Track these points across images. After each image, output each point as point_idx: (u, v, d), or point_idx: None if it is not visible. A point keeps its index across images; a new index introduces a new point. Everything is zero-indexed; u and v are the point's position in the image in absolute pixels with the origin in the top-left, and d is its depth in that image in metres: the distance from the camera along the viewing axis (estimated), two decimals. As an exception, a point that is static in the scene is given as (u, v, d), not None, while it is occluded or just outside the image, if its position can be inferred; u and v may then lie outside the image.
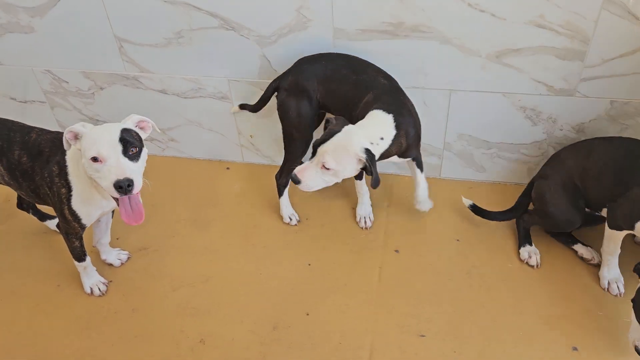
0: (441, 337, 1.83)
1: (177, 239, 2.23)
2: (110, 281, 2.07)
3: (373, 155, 1.76)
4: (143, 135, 1.69)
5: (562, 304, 1.89)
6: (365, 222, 2.23)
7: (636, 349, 1.62)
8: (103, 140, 1.56)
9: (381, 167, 2.40)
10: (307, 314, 1.92)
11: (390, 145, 1.83)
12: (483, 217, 2.17)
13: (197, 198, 2.39)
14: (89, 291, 2.03)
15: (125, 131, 1.60)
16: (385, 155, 1.86)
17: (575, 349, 1.77)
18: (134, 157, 1.60)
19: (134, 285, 2.05)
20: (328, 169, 1.78)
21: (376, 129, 1.82)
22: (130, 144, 1.59)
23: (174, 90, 2.36)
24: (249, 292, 2.01)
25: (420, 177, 2.11)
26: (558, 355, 1.76)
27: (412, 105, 1.95)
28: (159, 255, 2.17)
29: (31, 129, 1.85)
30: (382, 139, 1.81)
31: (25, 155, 1.79)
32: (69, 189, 1.74)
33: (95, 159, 1.55)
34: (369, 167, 1.76)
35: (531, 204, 2.14)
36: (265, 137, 2.47)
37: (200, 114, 2.43)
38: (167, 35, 2.18)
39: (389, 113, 1.82)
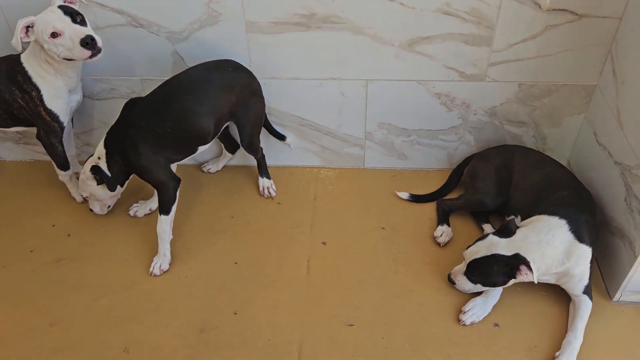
0: (370, 325, 1.85)
1: (97, 246, 2.14)
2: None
3: None
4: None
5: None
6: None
7: (449, 278, 1.91)
8: (53, 17, 1.78)
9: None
10: (235, 313, 1.89)
11: None
12: (424, 201, 2.27)
13: (116, 202, 2.30)
14: (80, 199, 2.29)
15: (64, 7, 1.82)
16: None
17: (496, 324, 1.84)
18: (83, 23, 1.84)
19: (51, 299, 1.95)
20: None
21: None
22: (75, 13, 1.82)
23: (85, 91, 2.26)
24: (174, 296, 1.95)
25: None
26: (481, 332, 1.81)
27: None
28: (78, 265, 2.07)
29: None
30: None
31: None
32: (38, 90, 1.94)
33: (54, 35, 1.78)
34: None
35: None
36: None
37: (114, 115, 2.31)
38: (72, 35, 2.08)
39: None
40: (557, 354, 1.71)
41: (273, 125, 2.31)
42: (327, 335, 1.82)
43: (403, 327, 1.84)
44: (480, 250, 1.78)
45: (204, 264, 2.06)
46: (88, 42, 1.79)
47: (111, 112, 2.32)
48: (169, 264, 2.03)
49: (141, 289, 1.97)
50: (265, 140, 2.33)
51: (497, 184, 2.09)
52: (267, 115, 2.26)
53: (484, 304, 1.84)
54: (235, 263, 2.06)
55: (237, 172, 2.46)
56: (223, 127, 2.07)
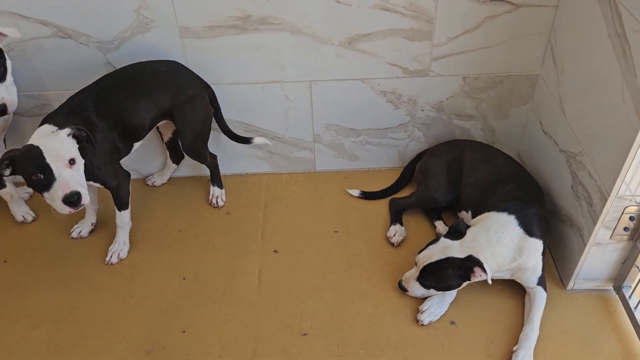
0: (324, 333, 1.79)
1: (35, 271, 2.02)
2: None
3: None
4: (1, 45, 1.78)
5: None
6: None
7: (400, 285, 1.86)
8: None
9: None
10: (184, 331, 1.80)
11: None
12: (375, 198, 2.25)
13: (57, 223, 2.18)
14: (21, 219, 2.19)
15: None
16: None
17: (453, 322, 1.80)
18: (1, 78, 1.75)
19: (-15, 331, 1.83)
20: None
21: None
22: None
23: (16, 109, 2.13)
24: (119, 317, 1.85)
25: None
26: (438, 332, 1.77)
27: None
28: (16, 293, 1.95)
29: None
30: None
31: None
32: None
33: None
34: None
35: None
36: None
37: (49, 132, 2.22)
38: (-5, 50, 1.96)
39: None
40: (514, 348, 1.68)
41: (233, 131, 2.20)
42: (280, 347, 1.75)
43: (358, 332, 1.78)
44: (433, 254, 1.74)
45: (150, 282, 1.96)
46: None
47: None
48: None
49: (83, 313, 1.87)
50: (214, 148, 2.25)
51: (448, 179, 2.06)
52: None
53: (441, 302, 1.81)
54: (184, 278, 1.97)
55: (184, 184, 2.37)
56: (156, 125, 2.00)
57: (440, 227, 2.10)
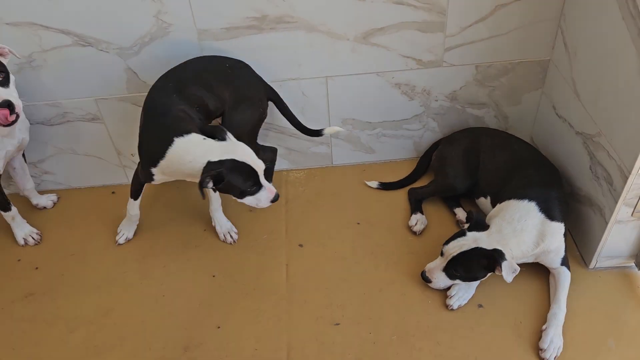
0: (356, 321, 1.83)
1: (67, 277, 2.06)
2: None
3: None
4: (5, 61, 1.78)
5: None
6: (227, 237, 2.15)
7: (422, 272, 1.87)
8: None
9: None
10: (219, 327, 1.85)
11: None
12: (394, 188, 2.28)
13: (84, 229, 2.22)
14: (22, 242, 2.15)
15: None
16: None
17: (480, 306, 1.84)
18: (4, 83, 1.72)
19: (24, 337, 1.86)
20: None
21: None
22: None
23: (37, 118, 2.18)
24: (154, 317, 1.89)
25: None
26: (466, 315, 1.82)
27: None
28: (49, 299, 1.99)
29: None
30: None
31: None
32: None
33: None
34: None
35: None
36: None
37: (71, 139, 2.26)
38: (17, 61, 2.00)
39: None
40: (543, 327, 1.73)
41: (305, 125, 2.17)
42: (314, 338, 1.79)
43: (389, 320, 1.83)
44: (462, 245, 1.75)
45: (181, 281, 2.01)
46: (3, 106, 1.64)
47: (67, 137, 2.25)
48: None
49: (118, 315, 1.91)
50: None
51: (466, 167, 2.10)
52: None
53: (468, 286, 1.85)
54: (213, 276, 2.01)
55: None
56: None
57: (460, 214, 2.14)
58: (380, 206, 2.24)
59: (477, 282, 1.85)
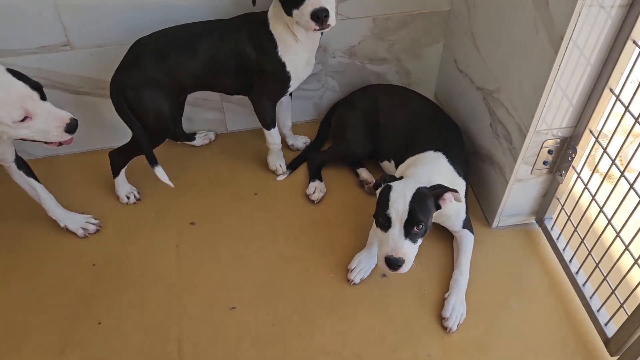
0: (254, 304, 1.69)
1: None
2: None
3: None
4: None
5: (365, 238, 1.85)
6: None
7: (387, 261, 1.48)
8: None
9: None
10: (99, 323, 1.65)
11: None
12: (301, 163, 2.11)
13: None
14: (82, 234, 1.86)
15: None
16: None
17: (384, 275, 1.76)
18: None
19: None
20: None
21: None
22: None
23: None
24: (23, 315, 1.66)
25: None
26: (369, 287, 1.73)
27: None
28: None
29: None
30: None
31: None
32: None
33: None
34: None
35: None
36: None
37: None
38: None
39: None
40: (446, 295, 1.67)
41: None
42: (207, 325, 1.64)
43: (289, 298, 1.70)
44: (399, 196, 1.48)
45: (55, 273, 1.77)
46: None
47: None
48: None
49: (-18, 317, 1.66)
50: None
51: (365, 130, 1.97)
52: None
53: (369, 256, 1.75)
54: (93, 265, 1.80)
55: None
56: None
57: (364, 174, 2.02)
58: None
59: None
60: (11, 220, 1.92)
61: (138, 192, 1.98)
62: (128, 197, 1.97)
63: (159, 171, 1.77)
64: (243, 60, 1.73)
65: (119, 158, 1.89)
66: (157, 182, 1.81)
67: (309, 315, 1.66)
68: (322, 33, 1.71)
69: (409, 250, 1.48)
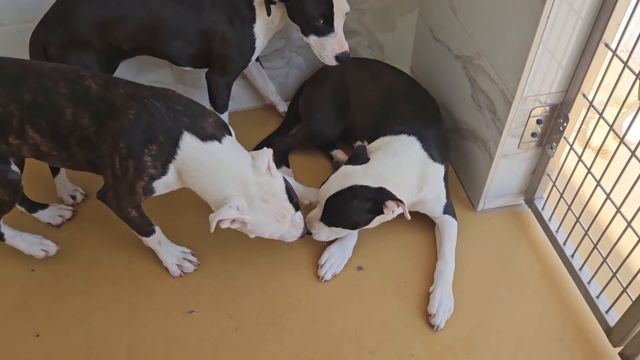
0: (214, 306, 1.51)
1: None
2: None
3: None
4: None
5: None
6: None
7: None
8: None
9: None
10: (38, 335, 1.45)
11: None
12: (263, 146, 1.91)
13: None
14: (177, 272, 1.56)
15: None
16: None
17: (360, 268, 1.58)
18: None
19: None
20: None
21: None
22: None
23: None
24: (-50, 334, 1.46)
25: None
26: (344, 282, 1.55)
27: None
28: None
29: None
30: None
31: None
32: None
33: None
34: None
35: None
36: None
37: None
38: None
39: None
40: (431, 288, 1.49)
41: None
42: (162, 333, 1.45)
43: (253, 299, 1.52)
44: (334, 185, 1.43)
45: (-10, 282, 1.57)
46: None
47: None
48: None
49: None
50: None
51: (335, 109, 1.79)
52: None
53: (342, 248, 1.57)
54: (32, 270, 1.59)
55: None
56: None
57: (340, 155, 1.85)
58: (244, 161, 1.89)
59: (352, 241, 1.58)
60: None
61: (83, 190, 1.78)
62: (73, 197, 1.77)
63: None
64: (208, 25, 1.54)
65: None
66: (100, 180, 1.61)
67: (276, 317, 1.48)
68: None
69: (319, 229, 1.49)
